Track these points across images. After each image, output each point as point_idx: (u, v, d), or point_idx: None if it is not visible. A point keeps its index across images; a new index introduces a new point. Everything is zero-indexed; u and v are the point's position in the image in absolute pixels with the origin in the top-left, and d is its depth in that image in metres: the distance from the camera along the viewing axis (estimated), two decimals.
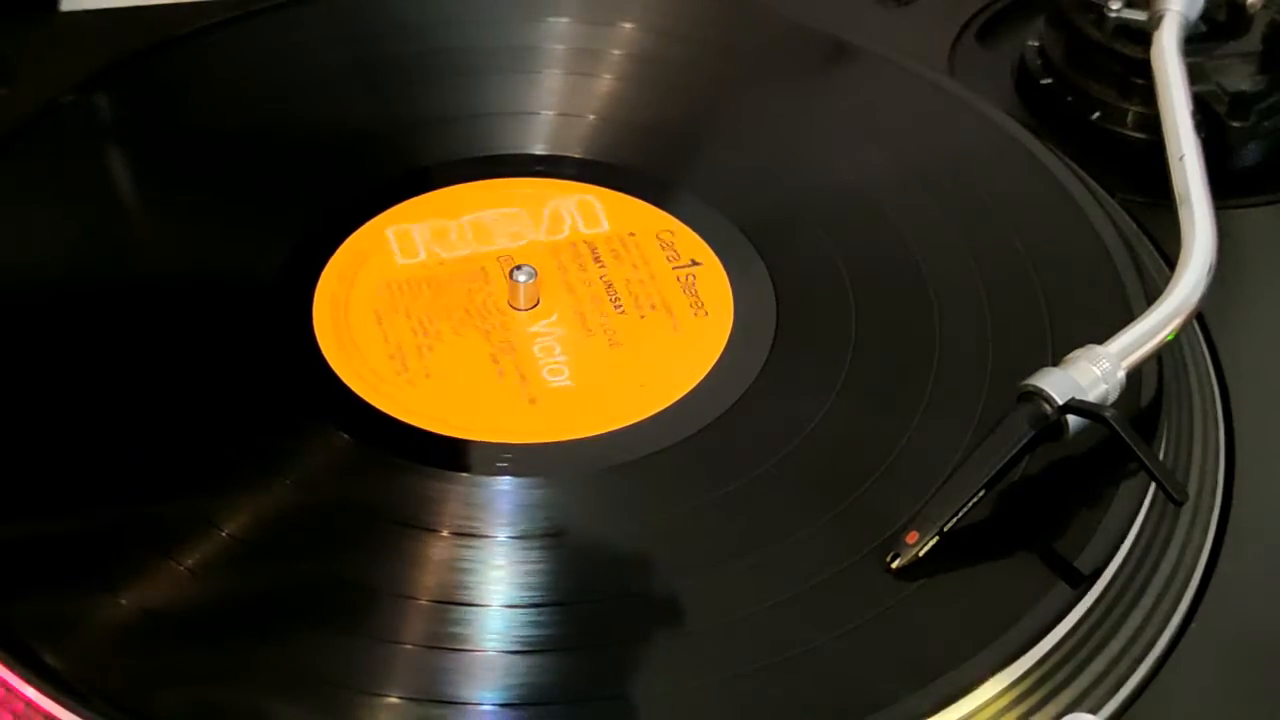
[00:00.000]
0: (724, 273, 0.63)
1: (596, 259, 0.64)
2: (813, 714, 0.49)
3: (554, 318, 0.62)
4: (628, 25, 0.75)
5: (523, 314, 0.62)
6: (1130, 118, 0.72)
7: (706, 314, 0.61)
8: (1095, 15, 0.72)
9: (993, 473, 0.53)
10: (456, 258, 0.64)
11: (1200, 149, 0.64)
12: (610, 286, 0.63)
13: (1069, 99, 0.74)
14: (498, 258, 0.64)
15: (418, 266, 0.64)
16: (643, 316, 0.62)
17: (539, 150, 0.69)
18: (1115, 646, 0.53)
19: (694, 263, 0.62)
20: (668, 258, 0.64)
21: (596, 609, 0.52)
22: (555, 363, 0.60)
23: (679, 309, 0.62)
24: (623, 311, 0.62)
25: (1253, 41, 0.71)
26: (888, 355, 0.60)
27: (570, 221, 0.66)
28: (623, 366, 0.60)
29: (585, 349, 0.61)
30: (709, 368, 0.60)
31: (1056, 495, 0.55)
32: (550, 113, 0.71)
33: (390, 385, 0.59)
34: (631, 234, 0.65)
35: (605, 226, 0.65)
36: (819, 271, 0.63)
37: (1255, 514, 0.58)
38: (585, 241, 0.65)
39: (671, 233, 0.64)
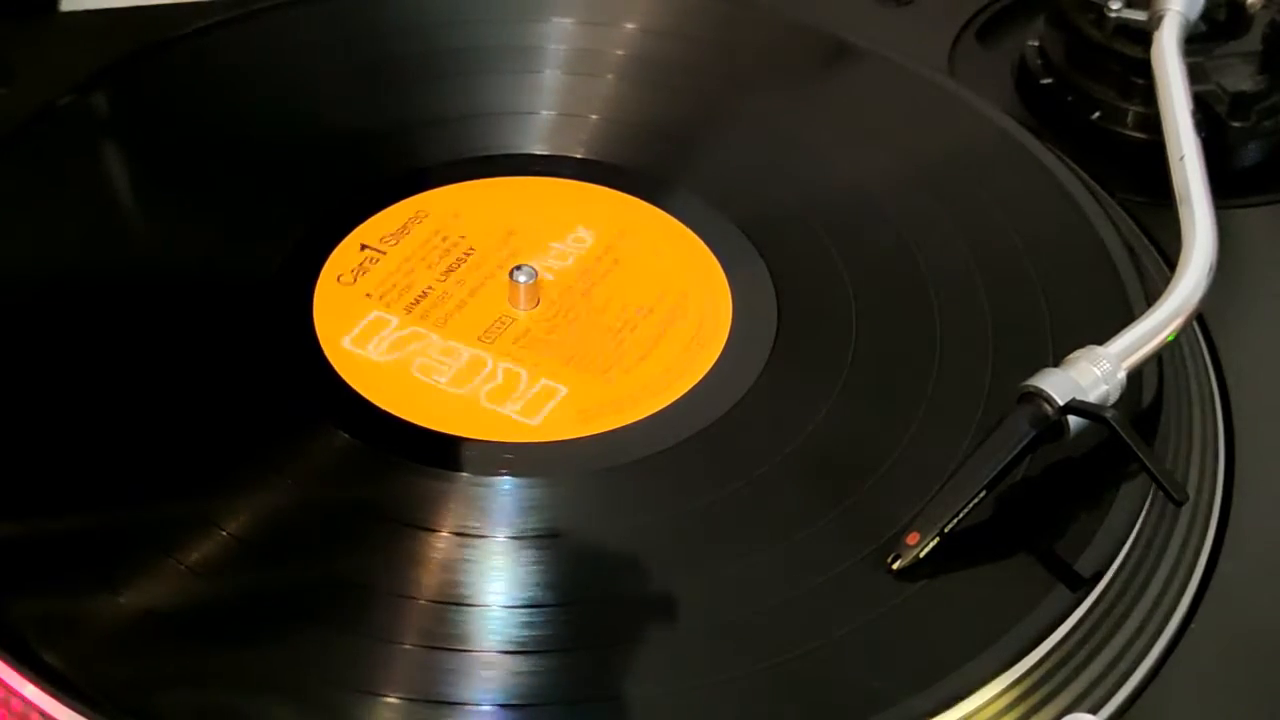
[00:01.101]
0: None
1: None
2: (813, 714, 0.49)
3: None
4: (628, 25, 0.74)
5: (521, 313, 0.62)
6: (1130, 118, 0.72)
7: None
8: (1095, 15, 0.72)
9: (993, 474, 0.53)
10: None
11: (1200, 149, 0.64)
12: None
13: (1069, 99, 0.74)
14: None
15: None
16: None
17: (539, 150, 0.69)
18: (1115, 646, 0.53)
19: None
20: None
21: (596, 609, 0.52)
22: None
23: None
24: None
25: (1253, 41, 0.71)
26: (888, 355, 0.60)
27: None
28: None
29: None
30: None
31: (1057, 496, 0.55)
32: (550, 113, 0.70)
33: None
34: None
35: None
36: (819, 271, 0.63)
37: (1255, 514, 0.58)
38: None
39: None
